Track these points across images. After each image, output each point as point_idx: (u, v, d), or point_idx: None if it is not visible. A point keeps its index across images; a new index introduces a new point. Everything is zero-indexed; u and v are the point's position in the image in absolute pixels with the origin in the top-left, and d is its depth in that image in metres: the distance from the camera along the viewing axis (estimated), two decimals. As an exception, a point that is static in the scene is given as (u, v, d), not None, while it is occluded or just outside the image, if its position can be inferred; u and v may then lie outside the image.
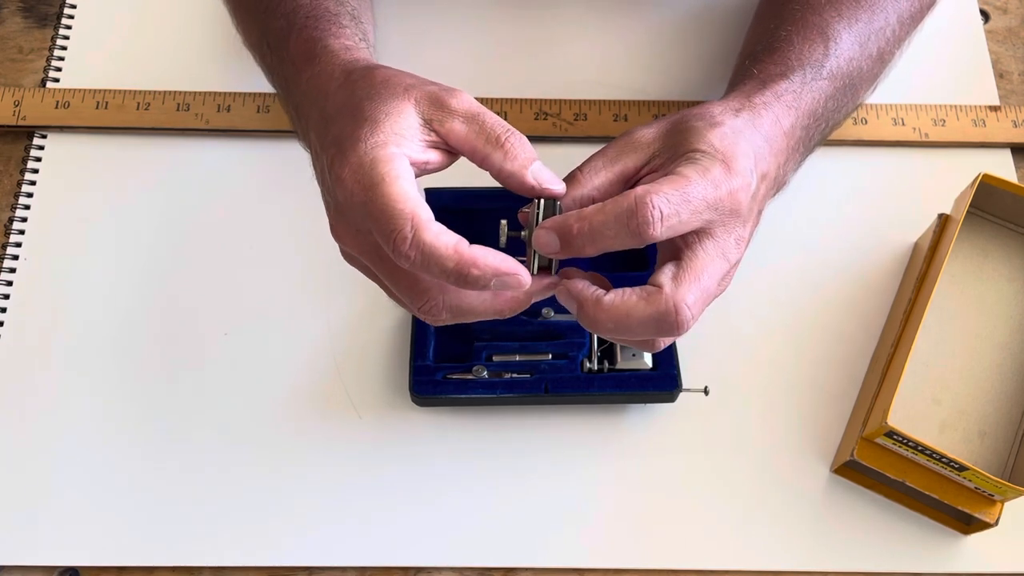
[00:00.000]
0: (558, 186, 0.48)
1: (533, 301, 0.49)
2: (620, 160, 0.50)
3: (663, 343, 0.50)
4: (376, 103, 0.47)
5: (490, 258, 0.45)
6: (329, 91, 0.51)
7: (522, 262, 0.48)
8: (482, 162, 0.47)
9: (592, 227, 0.45)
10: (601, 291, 0.48)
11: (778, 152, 0.54)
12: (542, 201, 0.48)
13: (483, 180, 0.50)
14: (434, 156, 0.48)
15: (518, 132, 0.47)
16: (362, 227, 0.47)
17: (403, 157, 0.46)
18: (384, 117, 0.47)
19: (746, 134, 0.51)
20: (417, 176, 0.47)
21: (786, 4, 0.61)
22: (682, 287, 0.47)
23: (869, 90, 0.63)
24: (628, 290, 0.47)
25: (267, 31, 0.59)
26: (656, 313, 0.46)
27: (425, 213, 0.44)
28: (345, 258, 0.51)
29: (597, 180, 0.49)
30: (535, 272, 0.48)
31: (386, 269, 0.48)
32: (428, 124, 0.47)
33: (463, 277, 0.44)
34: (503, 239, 0.48)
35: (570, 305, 0.48)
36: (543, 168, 0.47)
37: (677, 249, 0.48)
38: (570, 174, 0.50)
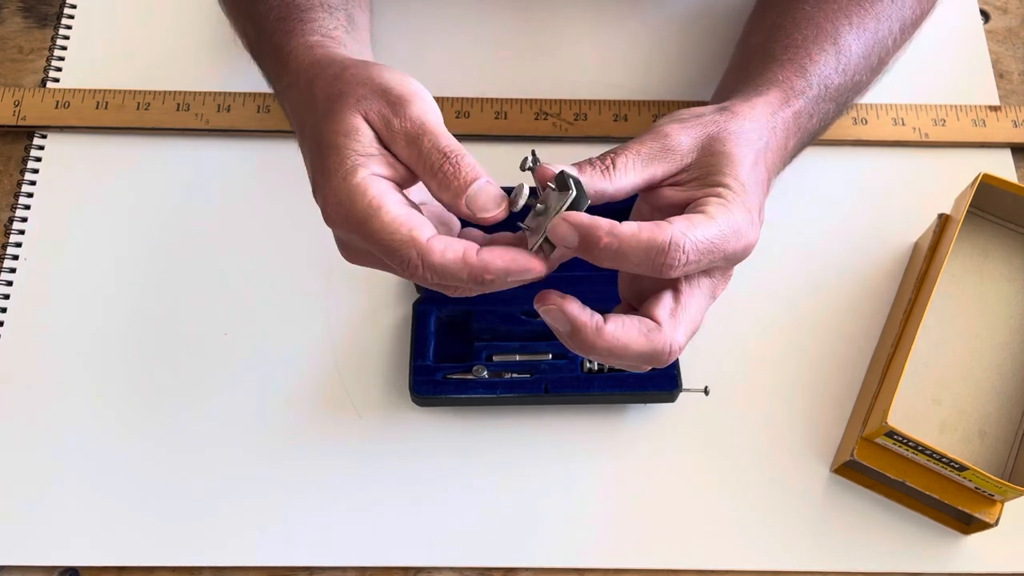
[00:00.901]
0: (495, 211, 0.46)
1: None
2: (652, 164, 0.48)
3: (646, 368, 0.49)
4: (332, 123, 0.47)
5: (498, 262, 0.44)
6: (300, 101, 0.51)
7: (521, 227, 0.47)
8: (426, 187, 0.47)
9: (620, 248, 0.44)
10: (599, 318, 0.46)
11: (775, 168, 0.55)
12: (572, 183, 0.46)
13: (495, 180, 0.49)
14: (400, 172, 0.47)
15: (455, 154, 0.46)
16: (364, 247, 0.47)
17: (377, 179, 0.46)
18: (344, 139, 0.46)
19: (768, 158, 0.52)
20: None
21: (796, 1, 0.61)
22: (679, 327, 0.47)
23: (859, 98, 0.63)
24: (627, 321, 0.46)
25: (248, 38, 0.59)
26: (653, 350, 0.46)
27: (424, 232, 0.44)
28: (346, 257, 0.51)
29: (625, 180, 0.48)
30: (534, 249, 0.46)
31: (407, 274, 0.47)
32: (381, 143, 0.47)
33: (481, 283, 0.45)
34: (520, 201, 0.46)
35: (563, 325, 0.46)
36: (481, 191, 0.45)
37: (673, 278, 0.47)
38: (603, 162, 0.47)
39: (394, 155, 0.47)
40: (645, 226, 0.45)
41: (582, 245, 0.45)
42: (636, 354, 0.46)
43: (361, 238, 0.45)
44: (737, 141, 0.50)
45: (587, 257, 0.45)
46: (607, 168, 0.47)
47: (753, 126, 0.52)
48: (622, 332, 0.46)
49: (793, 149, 0.57)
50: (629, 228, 0.44)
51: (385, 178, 0.46)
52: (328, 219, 0.46)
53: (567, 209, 0.45)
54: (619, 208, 0.51)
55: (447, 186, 0.45)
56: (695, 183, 0.49)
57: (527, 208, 0.47)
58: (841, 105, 0.60)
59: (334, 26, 0.56)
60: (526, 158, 0.47)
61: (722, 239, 0.46)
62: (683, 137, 0.50)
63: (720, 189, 0.48)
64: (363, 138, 0.46)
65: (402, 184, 0.47)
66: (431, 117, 0.47)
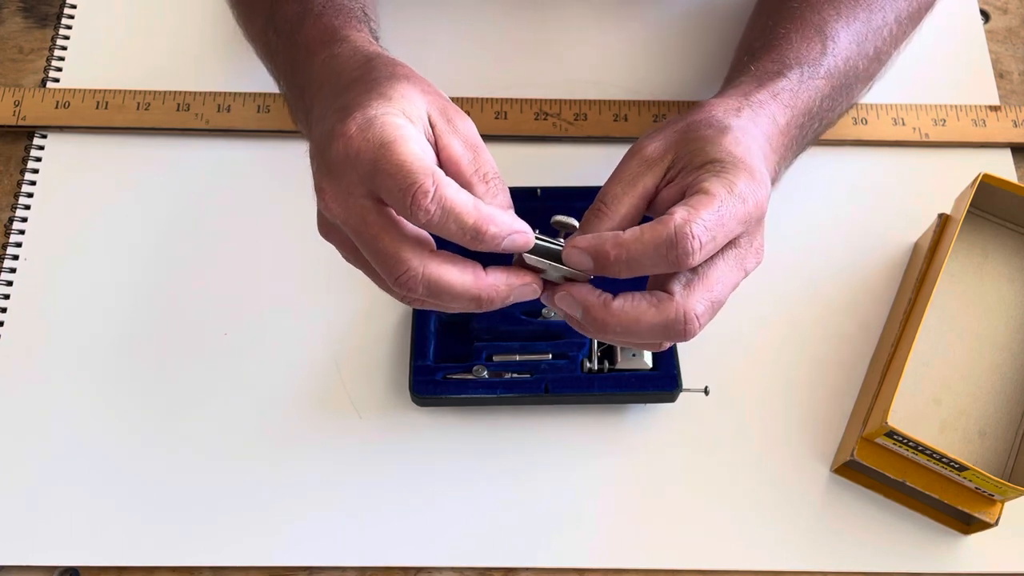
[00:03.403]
0: (524, 231, 0.47)
1: (512, 301, 0.47)
2: (639, 182, 0.49)
3: (668, 344, 0.50)
4: (394, 85, 0.47)
5: (504, 217, 0.45)
6: (346, 69, 0.51)
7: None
8: (465, 187, 0.47)
9: (630, 255, 0.45)
10: (608, 295, 0.47)
11: (776, 149, 0.54)
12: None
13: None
14: (431, 153, 0.47)
15: (503, 179, 0.47)
16: (354, 190, 0.45)
17: (412, 128, 0.46)
18: (399, 97, 0.47)
19: (753, 134, 0.51)
20: None
21: (785, 1, 0.61)
22: (693, 296, 0.46)
23: (865, 89, 0.63)
24: (638, 295, 0.47)
25: (274, 16, 0.59)
26: (665, 321, 0.46)
27: (441, 171, 0.44)
28: (322, 230, 0.49)
29: (622, 209, 0.49)
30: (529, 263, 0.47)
31: (369, 235, 0.46)
32: (432, 128, 0.47)
33: (480, 234, 0.44)
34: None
35: (574, 309, 0.47)
36: (515, 215, 0.47)
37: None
38: (593, 208, 0.49)
39: (441, 146, 0.47)
40: (647, 226, 0.45)
41: (596, 263, 0.46)
42: (649, 326, 0.46)
43: (373, 160, 0.44)
44: (709, 124, 0.50)
45: (606, 274, 0.46)
46: (599, 209, 0.49)
47: (723, 109, 0.52)
48: (631, 306, 0.46)
49: (791, 127, 0.56)
50: (632, 233, 0.45)
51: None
52: (344, 135, 0.44)
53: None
54: None
55: (493, 196, 0.47)
56: (684, 172, 0.49)
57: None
58: (838, 88, 0.59)
59: (373, 36, 0.57)
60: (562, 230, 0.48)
61: (728, 208, 0.46)
62: (654, 143, 0.50)
63: (709, 165, 0.48)
64: (414, 108, 0.47)
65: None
66: None
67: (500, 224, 0.44)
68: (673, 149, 0.50)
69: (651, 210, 0.50)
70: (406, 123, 0.45)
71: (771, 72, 0.56)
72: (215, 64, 0.75)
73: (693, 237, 0.44)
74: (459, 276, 0.45)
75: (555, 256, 0.47)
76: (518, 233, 0.45)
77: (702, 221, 0.44)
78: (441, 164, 0.47)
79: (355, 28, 0.56)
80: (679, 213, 0.45)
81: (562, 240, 0.48)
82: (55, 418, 0.63)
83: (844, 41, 0.59)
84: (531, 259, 0.47)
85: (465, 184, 0.46)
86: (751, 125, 0.52)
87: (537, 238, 0.47)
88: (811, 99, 0.57)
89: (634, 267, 0.45)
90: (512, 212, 0.47)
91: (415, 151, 0.44)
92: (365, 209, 0.45)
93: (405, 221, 0.45)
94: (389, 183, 0.43)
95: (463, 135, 0.48)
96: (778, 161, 0.55)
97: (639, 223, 0.49)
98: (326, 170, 0.46)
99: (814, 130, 0.59)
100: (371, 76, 0.49)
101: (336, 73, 0.51)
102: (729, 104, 0.53)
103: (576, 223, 0.48)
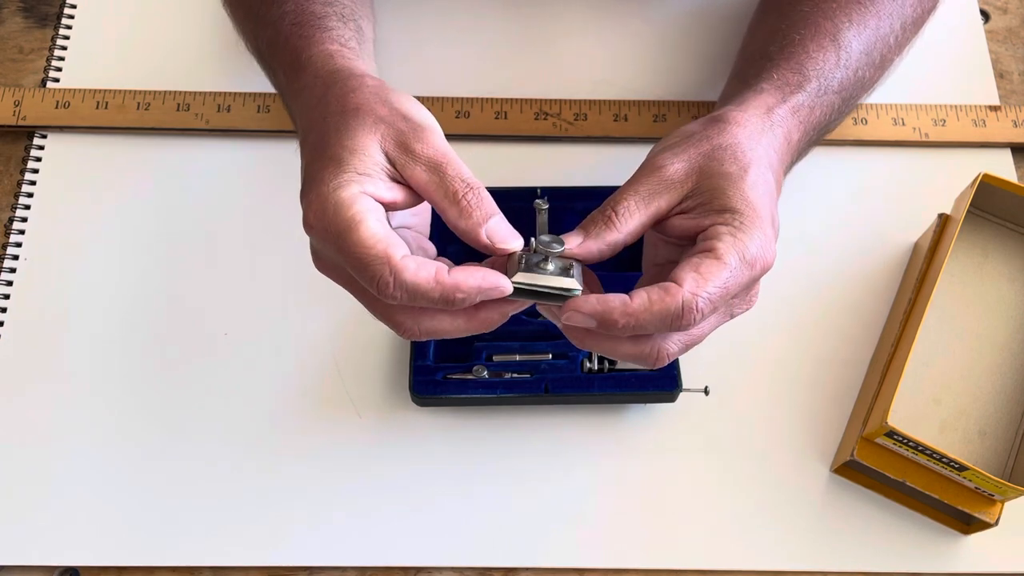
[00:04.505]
0: (514, 243, 0.47)
1: (508, 318, 0.48)
2: (654, 201, 0.49)
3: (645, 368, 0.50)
4: (343, 137, 0.47)
5: (471, 279, 0.45)
6: (310, 105, 0.51)
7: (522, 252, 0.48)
8: (441, 214, 0.47)
9: (637, 323, 0.45)
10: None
11: (784, 164, 0.55)
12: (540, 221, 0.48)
13: (495, 180, 0.49)
14: (400, 195, 0.47)
15: (478, 187, 0.46)
16: (338, 261, 0.46)
17: (366, 197, 0.46)
18: (349, 156, 0.46)
19: (771, 164, 0.51)
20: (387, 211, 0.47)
21: (795, 4, 0.61)
22: (670, 337, 0.47)
23: (867, 95, 0.63)
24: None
25: (259, 40, 0.59)
26: (639, 353, 0.48)
27: (399, 251, 0.44)
28: (318, 267, 0.51)
29: (632, 225, 0.48)
30: (517, 272, 0.47)
31: (364, 300, 0.48)
32: (392, 165, 0.47)
33: (450, 303, 0.45)
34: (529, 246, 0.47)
35: (587, 323, 0.46)
36: (500, 224, 0.47)
37: None
38: (604, 214, 0.48)
39: (405, 178, 0.47)
40: (655, 295, 0.45)
41: (601, 328, 0.46)
42: (625, 354, 0.48)
43: (336, 250, 0.45)
44: (733, 157, 0.50)
45: (608, 333, 0.46)
46: (609, 219, 0.48)
47: (747, 133, 0.51)
48: (606, 338, 0.47)
49: (800, 143, 0.56)
50: (640, 302, 0.45)
51: (379, 200, 0.46)
52: (307, 224, 0.46)
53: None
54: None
55: (468, 215, 0.46)
56: (700, 209, 0.48)
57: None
58: (847, 100, 0.59)
59: (348, 36, 0.56)
60: (538, 202, 0.49)
61: (736, 278, 0.46)
62: (677, 164, 0.50)
63: (727, 215, 0.47)
64: (367, 159, 0.46)
65: (401, 207, 0.48)
66: (451, 148, 0.48)
67: (467, 289, 0.44)
68: (694, 177, 0.49)
69: (658, 230, 0.50)
70: (358, 194, 0.45)
71: (792, 83, 0.56)
72: (215, 64, 0.75)
73: (697, 310, 0.45)
74: (452, 323, 0.47)
75: (542, 288, 0.47)
76: (490, 288, 0.45)
77: (708, 295, 0.45)
78: (414, 189, 0.47)
79: (317, 42, 0.55)
80: (688, 285, 0.45)
81: (549, 267, 0.47)
82: (55, 418, 0.63)
83: (856, 51, 0.59)
84: (516, 299, 0.47)
85: (439, 209, 0.47)
86: (770, 152, 0.52)
87: (514, 283, 0.46)
88: (823, 115, 0.57)
89: (638, 331, 0.46)
90: (498, 219, 0.47)
91: (370, 235, 0.44)
92: (352, 280, 0.47)
93: None
94: (356, 273, 0.45)
95: (425, 159, 0.47)
96: (782, 172, 0.55)
97: (640, 236, 0.50)
98: (311, 239, 0.48)
99: (817, 139, 0.59)
100: (324, 128, 0.48)
101: (306, 108, 0.51)
102: (753, 126, 0.52)
103: (563, 243, 0.47)
